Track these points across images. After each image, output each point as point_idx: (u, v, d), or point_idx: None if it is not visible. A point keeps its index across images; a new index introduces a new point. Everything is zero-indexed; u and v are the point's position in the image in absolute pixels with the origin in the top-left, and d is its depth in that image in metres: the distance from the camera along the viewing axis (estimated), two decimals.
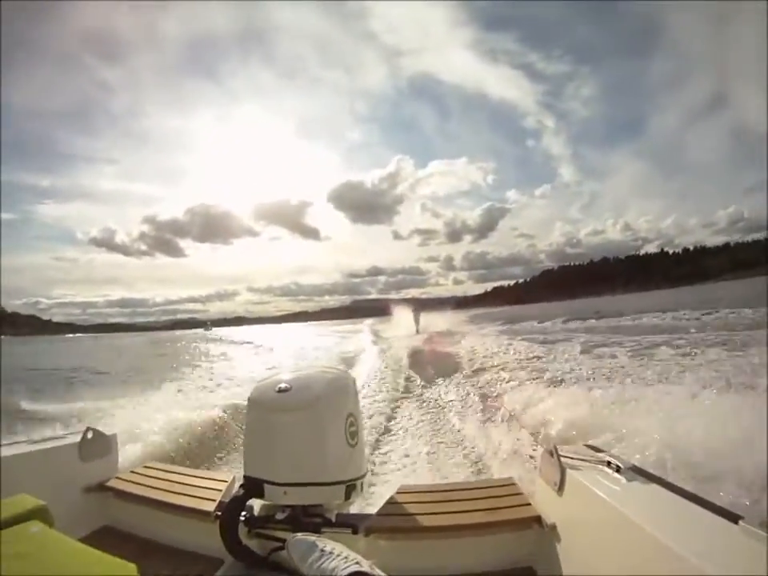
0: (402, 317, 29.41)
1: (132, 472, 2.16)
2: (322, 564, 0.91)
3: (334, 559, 0.91)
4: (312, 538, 1.03)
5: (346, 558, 0.91)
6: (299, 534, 1.08)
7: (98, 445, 2.11)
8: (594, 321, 20.97)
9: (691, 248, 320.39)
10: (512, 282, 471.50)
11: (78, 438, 2.04)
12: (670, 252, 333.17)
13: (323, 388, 1.33)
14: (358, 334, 26.73)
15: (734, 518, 1.02)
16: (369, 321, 47.63)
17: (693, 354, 7.57)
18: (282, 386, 1.32)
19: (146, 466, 2.24)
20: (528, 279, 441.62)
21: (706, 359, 6.85)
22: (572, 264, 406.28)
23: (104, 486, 2.03)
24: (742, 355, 6.49)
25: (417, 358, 11.60)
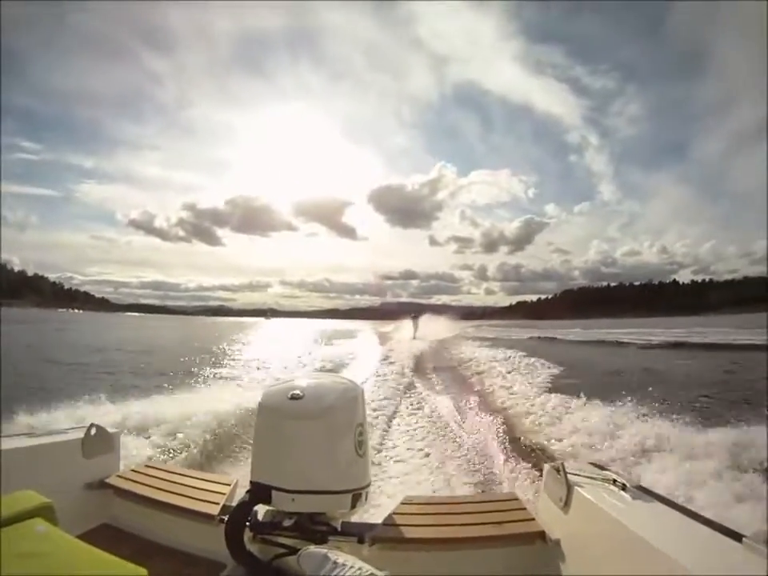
0: (406, 324, 32.52)
1: (133, 470, 2.17)
2: None
3: (347, 571, 0.88)
4: (324, 550, 0.99)
5: (359, 569, 0.88)
6: (311, 546, 1.06)
7: (100, 442, 2.11)
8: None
9: (699, 280, 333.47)
10: (535, 298, 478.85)
11: (81, 434, 2.05)
12: (680, 282, 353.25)
13: (336, 398, 1.26)
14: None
15: (737, 536, 1.06)
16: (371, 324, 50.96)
17: None
18: (295, 392, 1.23)
19: (147, 466, 2.26)
20: (550, 297, 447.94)
21: None
22: (590, 286, 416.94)
23: (105, 484, 2.04)
24: None
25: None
